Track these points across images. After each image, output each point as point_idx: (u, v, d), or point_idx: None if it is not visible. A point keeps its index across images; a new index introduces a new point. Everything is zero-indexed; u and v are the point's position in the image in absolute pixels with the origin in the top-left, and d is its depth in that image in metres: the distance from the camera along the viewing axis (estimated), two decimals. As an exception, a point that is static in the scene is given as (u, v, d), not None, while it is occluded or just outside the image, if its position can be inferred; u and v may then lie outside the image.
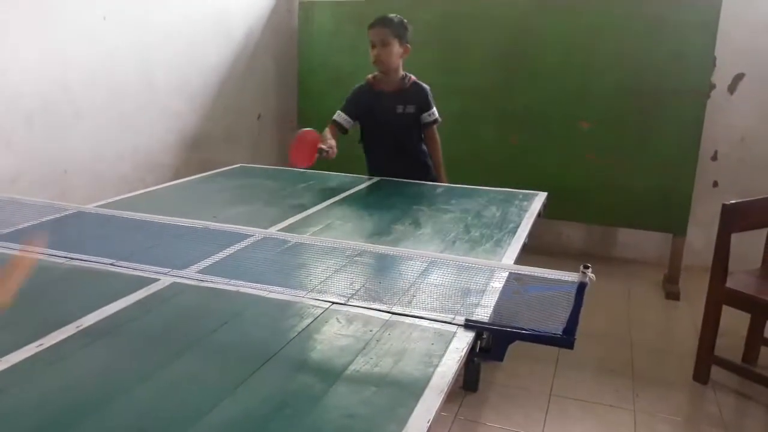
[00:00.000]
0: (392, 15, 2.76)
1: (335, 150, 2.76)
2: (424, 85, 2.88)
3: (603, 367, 2.71)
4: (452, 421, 2.30)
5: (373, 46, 2.75)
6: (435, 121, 2.88)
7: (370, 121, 2.92)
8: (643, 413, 2.38)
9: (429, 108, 2.85)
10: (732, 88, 3.81)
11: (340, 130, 2.92)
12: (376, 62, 2.77)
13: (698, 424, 2.38)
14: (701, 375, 2.61)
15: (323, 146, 2.73)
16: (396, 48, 2.73)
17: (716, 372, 2.61)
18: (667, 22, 3.50)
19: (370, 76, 2.90)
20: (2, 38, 2.42)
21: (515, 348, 1.29)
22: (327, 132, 2.86)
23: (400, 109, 2.83)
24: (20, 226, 1.88)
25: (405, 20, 2.77)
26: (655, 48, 3.54)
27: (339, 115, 2.91)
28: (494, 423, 2.30)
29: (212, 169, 3.00)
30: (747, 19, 3.67)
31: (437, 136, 2.93)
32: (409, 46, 2.78)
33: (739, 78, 3.78)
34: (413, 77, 2.87)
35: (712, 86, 3.75)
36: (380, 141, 2.94)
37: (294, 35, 4.44)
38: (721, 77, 3.78)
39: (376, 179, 2.88)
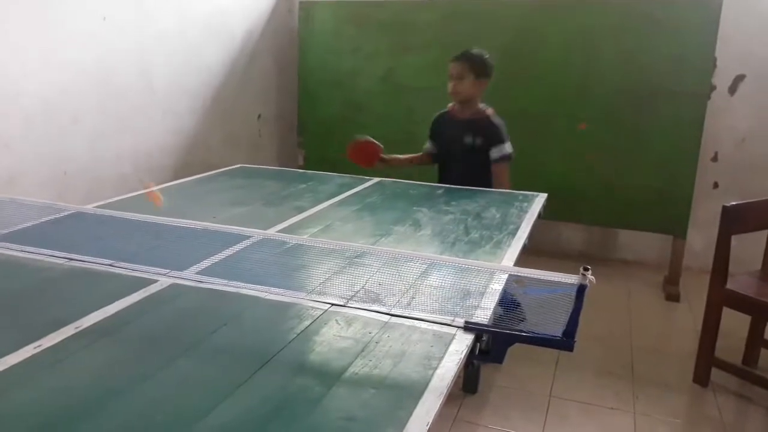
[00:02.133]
0: (475, 50, 2.79)
1: (395, 164, 2.98)
2: (498, 120, 2.83)
3: (603, 369, 2.71)
4: (452, 422, 2.30)
5: (451, 78, 2.80)
6: (503, 157, 2.80)
7: (441, 148, 2.98)
8: (643, 415, 2.38)
9: (498, 143, 2.79)
10: (732, 90, 3.81)
11: (430, 157, 3.03)
12: (452, 93, 2.83)
13: (698, 426, 2.38)
14: (701, 377, 2.61)
15: (385, 156, 2.92)
16: (471, 82, 2.77)
17: (716, 374, 2.60)
18: (668, 24, 3.51)
19: (451, 104, 2.93)
20: (2, 39, 2.41)
21: (515, 350, 1.29)
22: (421, 155, 3.05)
23: (468, 139, 2.82)
24: (19, 227, 1.88)
25: (487, 56, 2.80)
26: (655, 49, 3.54)
27: (428, 144, 3.04)
28: (494, 425, 2.30)
29: (212, 170, 2.99)
30: (747, 21, 3.66)
31: (506, 175, 2.82)
32: (486, 81, 2.80)
33: (739, 79, 3.78)
34: (490, 111, 2.85)
35: (713, 87, 3.74)
36: (448, 169, 2.96)
37: (294, 36, 4.44)
38: (721, 78, 3.78)
39: (376, 179, 2.88)
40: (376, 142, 2.89)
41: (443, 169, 3.01)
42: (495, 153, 2.80)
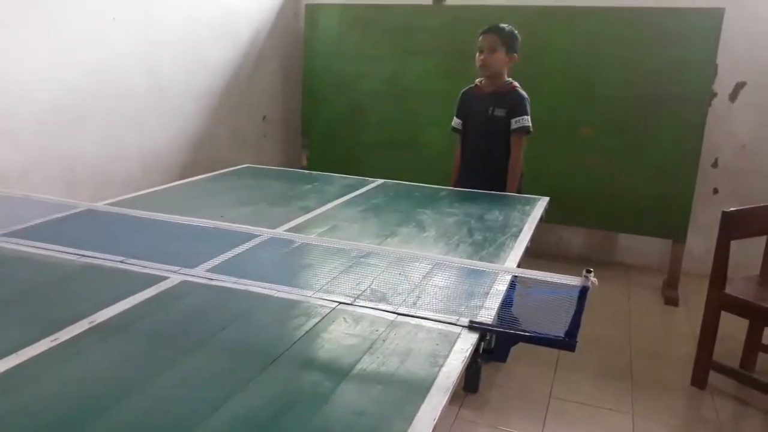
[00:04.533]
0: (504, 24, 2.81)
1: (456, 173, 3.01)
2: (523, 93, 2.84)
3: (602, 371, 2.74)
4: (453, 421, 2.33)
5: (481, 51, 2.79)
6: (521, 128, 2.80)
7: (466, 122, 2.97)
8: (642, 417, 2.41)
9: (520, 114, 2.80)
10: (733, 97, 3.84)
11: (459, 134, 3.01)
12: (482, 66, 2.81)
13: (696, 428, 2.41)
14: (699, 380, 2.64)
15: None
16: (502, 55, 2.77)
17: (714, 377, 2.63)
18: (670, 31, 3.54)
19: (478, 80, 2.93)
20: (13, 39, 2.45)
21: (515, 350, 1.33)
22: (457, 145, 3.03)
23: (491, 110, 2.83)
24: (32, 223, 1.91)
25: (516, 31, 2.82)
26: (657, 56, 3.58)
27: (454, 120, 3.02)
28: (494, 424, 2.33)
29: (218, 170, 3.02)
30: (749, 28, 3.70)
31: (521, 145, 2.83)
32: (516, 56, 2.81)
33: (740, 86, 3.82)
34: (516, 84, 2.86)
35: (714, 94, 3.78)
36: (471, 144, 2.95)
37: (300, 38, 4.47)
38: (722, 85, 3.82)
39: (380, 181, 2.91)
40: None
41: (464, 148, 3.00)
42: (515, 123, 2.81)
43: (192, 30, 3.49)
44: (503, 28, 2.79)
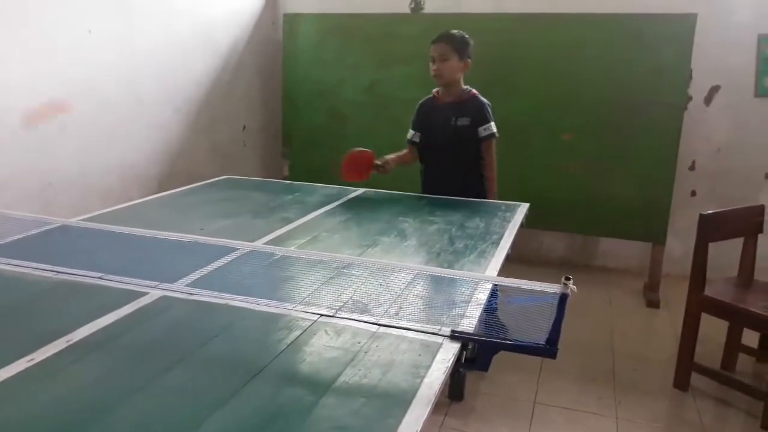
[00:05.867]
0: (455, 31, 2.79)
1: (391, 165, 2.87)
2: (483, 100, 2.84)
3: (585, 376, 2.76)
4: (438, 429, 2.33)
5: (433, 61, 2.78)
6: (490, 135, 2.82)
7: (427, 133, 2.94)
8: (625, 420, 2.42)
9: (485, 122, 2.80)
10: (708, 100, 3.91)
11: (415, 147, 2.97)
12: (436, 76, 2.81)
13: (679, 430, 2.43)
14: (681, 382, 2.66)
15: (378, 161, 2.84)
16: (455, 63, 2.76)
17: (696, 379, 2.66)
18: (645, 37, 3.59)
19: (435, 90, 2.92)
20: (-13, 51, 2.42)
21: (499, 357, 1.32)
22: (405, 152, 2.98)
23: (453, 120, 2.82)
24: (6, 240, 1.88)
25: (467, 36, 2.80)
26: (633, 62, 3.63)
27: (409, 133, 2.99)
28: (480, 431, 2.33)
29: (198, 181, 3.00)
30: (721, 33, 3.76)
31: (492, 151, 2.86)
32: (469, 61, 2.80)
33: (714, 90, 3.88)
34: (474, 91, 2.86)
35: (689, 98, 3.84)
36: (435, 155, 2.92)
37: (279, 47, 4.47)
38: (697, 89, 3.88)
39: (361, 190, 2.91)
40: (367, 150, 2.86)
41: (427, 159, 2.97)
42: (484, 131, 2.81)
43: (170, 41, 3.47)
44: (453, 35, 2.78)
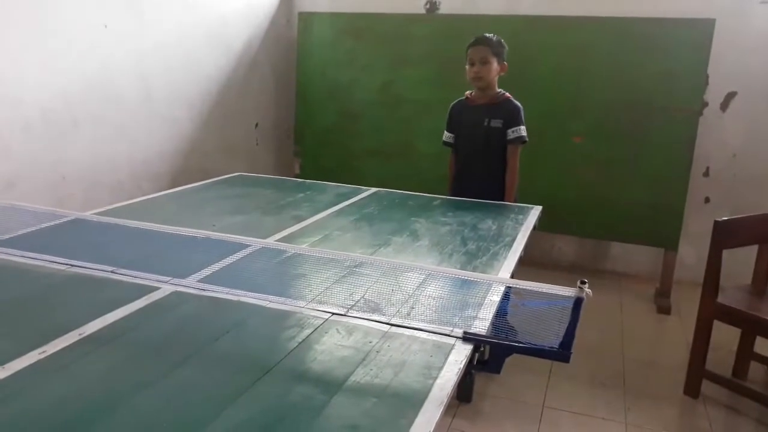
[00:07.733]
0: (490, 35, 2.81)
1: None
2: (517, 103, 2.85)
3: (595, 380, 2.74)
4: (446, 431, 2.32)
5: (472, 64, 2.79)
6: (518, 138, 2.82)
7: (460, 134, 2.95)
8: (635, 426, 2.40)
9: (515, 125, 2.81)
10: (724, 106, 3.87)
11: (453, 149, 3.00)
12: (475, 79, 2.81)
13: (689, 437, 2.41)
14: (692, 389, 2.64)
15: None
16: (495, 66, 2.79)
17: (707, 386, 2.63)
18: (662, 41, 3.57)
19: (468, 92, 2.93)
20: (2, 45, 2.43)
21: (508, 360, 1.32)
22: (451, 158, 3.03)
23: (486, 122, 2.83)
24: (19, 232, 1.89)
25: (502, 40, 2.83)
26: (649, 66, 3.59)
27: (445, 135, 3.00)
28: (488, 434, 2.32)
29: (209, 178, 3.01)
30: (739, 39, 3.72)
31: (517, 156, 2.85)
32: (506, 64, 2.83)
33: (731, 96, 3.84)
34: (508, 94, 2.87)
35: (705, 104, 3.80)
36: (466, 154, 2.94)
37: (293, 46, 4.47)
38: (713, 95, 3.84)
39: (373, 189, 2.90)
40: None
41: (458, 156, 2.99)
42: (512, 134, 2.82)
43: (184, 37, 3.48)
44: (492, 39, 2.80)
